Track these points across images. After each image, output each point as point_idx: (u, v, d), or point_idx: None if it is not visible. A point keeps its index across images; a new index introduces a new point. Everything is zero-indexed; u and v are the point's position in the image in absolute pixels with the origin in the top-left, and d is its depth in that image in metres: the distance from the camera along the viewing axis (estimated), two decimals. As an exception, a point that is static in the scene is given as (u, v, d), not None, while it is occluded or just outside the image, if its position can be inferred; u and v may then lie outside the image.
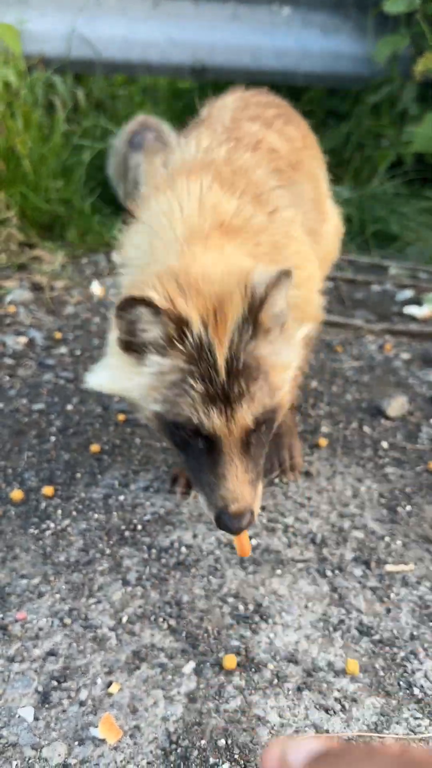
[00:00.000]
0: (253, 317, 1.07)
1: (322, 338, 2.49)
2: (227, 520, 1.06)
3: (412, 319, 2.67)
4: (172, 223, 1.23)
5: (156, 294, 1.06)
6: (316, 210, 1.70)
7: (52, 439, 1.85)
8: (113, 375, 1.19)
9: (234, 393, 1.06)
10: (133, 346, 1.13)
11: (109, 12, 3.70)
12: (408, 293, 2.86)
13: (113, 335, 1.19)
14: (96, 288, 2.86)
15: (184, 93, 5.03)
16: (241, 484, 1.07)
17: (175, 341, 1.07)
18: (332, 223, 1.91)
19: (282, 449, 1.76)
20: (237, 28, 3.77)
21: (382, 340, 2.48)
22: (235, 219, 1.25)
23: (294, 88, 4.19)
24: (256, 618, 1.30)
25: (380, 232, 3.46)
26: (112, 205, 3.55)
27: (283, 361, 1.15)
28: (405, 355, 2.36)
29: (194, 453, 1.11)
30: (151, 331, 1.08)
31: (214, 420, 1.05)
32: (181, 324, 1.06)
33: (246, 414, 1.07)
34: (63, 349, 2.35)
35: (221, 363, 1.05)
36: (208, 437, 1.08)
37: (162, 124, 3.44)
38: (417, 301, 2.81)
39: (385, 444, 1.88)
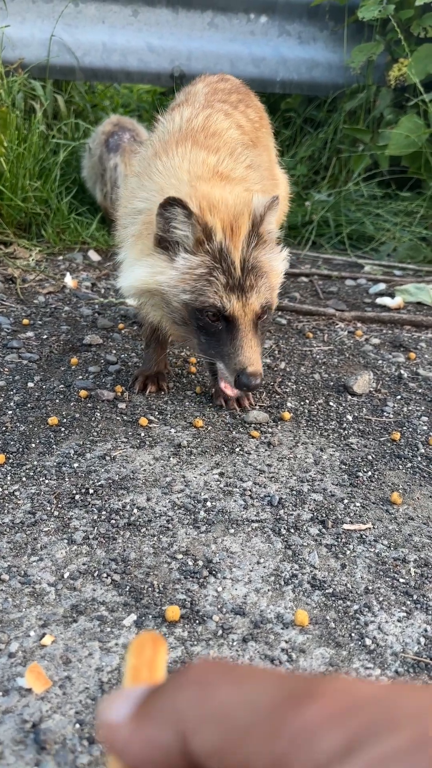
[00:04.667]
0: (256, 231, 1.43)
1: (294, 325, 2.46)
2: (245, 379, 1.41)
3: (384, 308, 2.65)
4: (176, 173, 1.53)
5: (190, 201, 1.39)
6: (270, 176, 1.95)
7: (9, 412, 1.79)
8: (148, 271, 1.48)
9: (247, 285, 1.41)
10: (165, 243, 1.44)
11: (88, 19, 3.75)
12: (381, 286, 2.85)
13: (137, 247, 1.54)
14: (69, 280, 2.84)
15: (165, 106, 5.08)
16: (255, 353, 1.42)
17: (202, 243, 1.40)
18: (283, 188, 2.14)
19: (229, 400, 1.88)
20: (215, 36, 3.83)
21: (352, 327, 2.45)
22: (223, 169, 1.58)
23: (272, 97, 4.25)
24: (205, 573, 1.24)
25: (356, 233, 3.47)
26: (88, 204, 3.55)
27: (276, 268, 1.53)
28: (375, 340, 2.34)
29: (215, 333, 1.44)
30: (183, 230, 1.41)
31: (233, 304, 1.40)
32: (207, 230, 1.39)
33: (256, 301, 1.43)
34: (30, 333, 2.31)
35: (237, 263, 1.40)
36: (228, 318, 1.41)
37: (137, 124, 3.46)
38: (390, 294, 2.80)
39: (349, 417, 1.83)
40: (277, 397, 1.95)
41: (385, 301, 2.67)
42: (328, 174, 3.91)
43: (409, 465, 1.63)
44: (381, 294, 2.80)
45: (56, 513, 1.40)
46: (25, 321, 2.40)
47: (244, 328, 1.42)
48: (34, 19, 3.68)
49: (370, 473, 1.59)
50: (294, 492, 1.50)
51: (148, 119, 4.94)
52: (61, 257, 3.22)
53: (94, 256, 3.25)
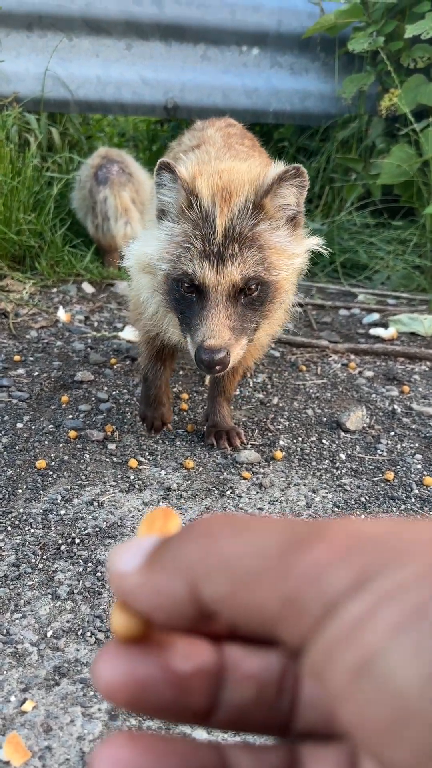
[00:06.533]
0: (258, 200, 1.29)
1: (287, 358, 2.45)
2: (201, 353, 1.24)
3: (378, 339, 2.63)
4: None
5: (183, 168, 1.33)
6: None
7: (-3, 455, 1.77)
8: (141, 244, 1.43)
9: (227, 253, 1.27)
10: (161, 214, 1.39)
11: (82, 53, 3.79)
12: (375, 316, 2.84)
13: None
14: (62, 314, 2.83)
15: (160, 136, 5.13)
16: (220, 326, 1.26)
17: (185, 210, 1.31)
18: None
19: (221, 439, 1.85)
20: (208, 68, 3.87)
21: (346, 360, 2.44)
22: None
23: (265, 127, 4.28)
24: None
25: (349, 261, 3.47)
26: (82, 236, 3.55)
27: (286, 248, 1.35)
28: (368, 373, 2.32)
29: (189, 306, 1.32)
30: (169, 196, 1.35)
31: (206, 271, 1.27)
32: (193, 195, 1.30)
33: (235, 271, 1.27)
34: (21, 371, 2.29)
35: (219, 229, 1.28)
36: (200, 287, 1.29)
37: (125, 155, 3.47)
38: (383, 324, 2.78)
39: (342, 455, 1.81)
40: (270, 434, 1.92)
41: (379, 331, 2.66)
42: (321, 203, 3.92)
43: (403, 507, 1.60)
44: (375, 324, 2.79)
45: (41, 565, 1.37)
46: (17, 357, 2.38)
47: (214, 298, 1.27)
48: (28, 53, 3.72)
49: (363, 516, 1.56)
50: (285, 539, 1.47)
51: (143, 149, 4.99)
52: (54, 289, 3.21)
53: (88, 288, 3.25)
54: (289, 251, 1.36)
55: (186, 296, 1.32)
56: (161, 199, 1.36)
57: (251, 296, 1.32)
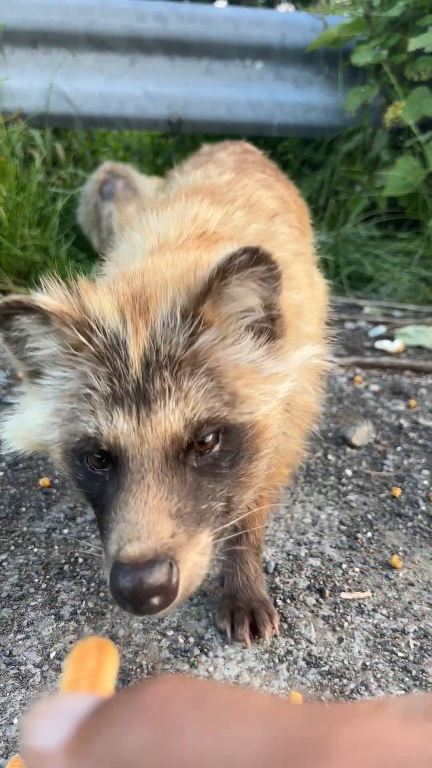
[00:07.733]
0: (192, 307, 0.81)
1: (292, 372, 2.44)
2: (119, 576, 0.69)
3: (384, 353, 2.62)
4: (146, 239, 1.06)
5: (47, 297, 0.84)
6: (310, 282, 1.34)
7: (1, 473, 1.76)
8: (19, 419, 0.94)
9: (154, 388, 0.77)
10: (35, 374, 0.91)
11: (86, 69, 3.82)
12: (381, 329, 2.83)
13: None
14: (66, 329, 2.83)
15: (164, 149, 5.16)
16: (150, 513, 0.71)
17: (83, 344, 0.82)
18: (321, 298, 1.45)
19: (240, 624, 1.22)
20: (211, 82, 3.89)
21: (352, 373, 2.42)
22: (220, 227, 1.05)
23: (269, 139, 4.30)
24: (196, 651, 1.19)
25: (355, 274, 3.47)
26: (86, 251, 3.56)
27: (260, 367, 0.85)
28: (374, 387, 2.30)
29: (102, 490, 0.81)
30: (47, 346, 0.86)
31: (117, 424, 0.77)
32: (87, 321, 0.82)
33: (171, 415, 0.76)
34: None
35: (134, 354, 0.79)
36: (112, 453, 0.78)
37: (130, 170, 3.48)
38: (389, 337, 2.77)
39: (349, 471, 1.79)
40: (275, 450, 1.91)
41: (385, 345, 2.65)
42: (326, 215, 3.92)
43: (410, 524, 1.58)
44: (381, 337, 2.78)
45: (44, 585, 1.36)
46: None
47: (138, 466, 0.76)
48: (33, 70, 3.74)
49: (369, 534, 1.54)
50: (291, 557, 1.45)
51: (148, 162, 5.01)
52: (60, 304, 3.22)
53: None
54: (266, 372, 0.85)
55: (96, 475, 0.82)
56: (33, 357, 0.89)
57: (211, 454, 0.81)
